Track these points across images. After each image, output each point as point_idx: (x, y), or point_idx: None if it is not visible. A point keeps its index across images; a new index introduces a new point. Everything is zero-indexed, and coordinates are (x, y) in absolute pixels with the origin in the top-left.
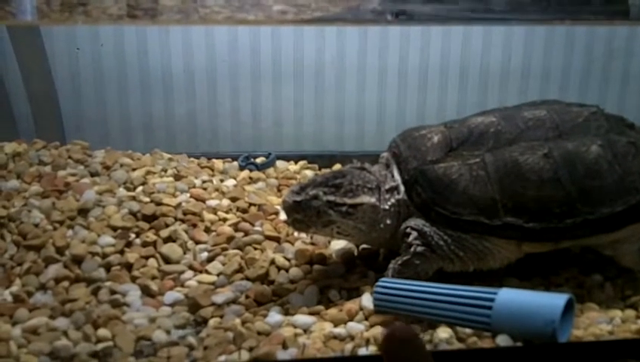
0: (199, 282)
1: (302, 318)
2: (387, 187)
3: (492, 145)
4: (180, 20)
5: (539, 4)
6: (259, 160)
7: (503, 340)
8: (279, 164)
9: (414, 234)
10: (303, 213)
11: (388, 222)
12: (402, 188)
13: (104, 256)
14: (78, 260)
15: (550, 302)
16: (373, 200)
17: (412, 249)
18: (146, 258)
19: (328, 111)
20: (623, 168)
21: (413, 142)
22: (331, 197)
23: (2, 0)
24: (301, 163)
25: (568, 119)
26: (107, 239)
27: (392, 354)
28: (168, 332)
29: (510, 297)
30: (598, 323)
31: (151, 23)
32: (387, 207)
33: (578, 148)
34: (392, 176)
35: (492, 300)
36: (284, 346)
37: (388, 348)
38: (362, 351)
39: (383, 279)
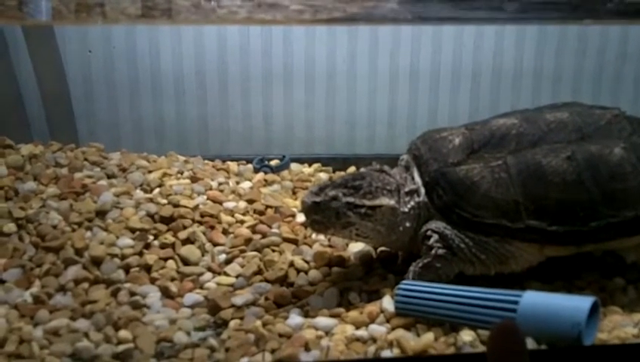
0: (218, 284)
1: (323, 320)
2: (407, 189)
3: (514, 147)
4: (197, 20)
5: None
6: (273, 162)
7: (527, 343)
8: (293, 166)
9: (435, 236)
10: (322, 214)
11: (407, 224)
12: (423, 190)
13: (123, 257)
14: (97, 262)
15: (576, 304)
16: (392, 202)
17: (433, 251)
18: (165, 259)
19: (340, 114)
20: None
21: (434, 144)
22: (350, 199)
23: (20, 2)
24: (315, 165)
25: (591, 122)
26: (126, 241)
27: (497, 348)
28: (189, 333)
29: (535, 300)
30: (622, 326)
31: (168, 23)
32: (407, 210)
33: (601, 151)
34: (413, 178)
35: (516, 303)
36: (307, 348)
37: (494, 342)
38: (386, 354)
39: (404, 281)
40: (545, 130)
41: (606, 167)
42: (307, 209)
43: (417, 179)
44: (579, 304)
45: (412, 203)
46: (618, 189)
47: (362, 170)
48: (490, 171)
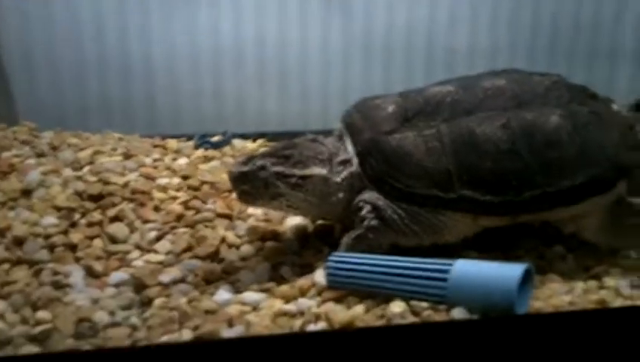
0: (147, 262)
1: (251, 295)
2: (340, 159)
3: (448, 115)
4: None
5: None
6: (215, 139)
7: (458, 313)
8: (237, 142)
9: (367, 207)
10: (250, 184)
11: (340, 195)
12: (356, 160)
13: (47, 237)
14: (19, 242)
15: (507, 272)
16: (324, 171)
17: (365, 223)
18: (92, 238)
19: (291, 90)
20: (584, 139)
21: (368, 113)
22: (279, 168)
23: None
24: (260, 141)
25: (528, 89)
26: (50, 220)
27: None
28: (112, 313)
29: (466, 268)
30: (559, 295)
31: None
32: (339, 180)
33: (537, 119)
34: (346, 147)
35: (447, 272)
36: (230, 324)
37: None
38: (311, 327)
39: (335, 253)
40: (481, 98)
41: (542, 135)
42: (234, 179)
43: (350, 148)
44: (510, 272)
45: (345, 173)
46: (554, 158)
47: (297, 139)
48: (423, 140)
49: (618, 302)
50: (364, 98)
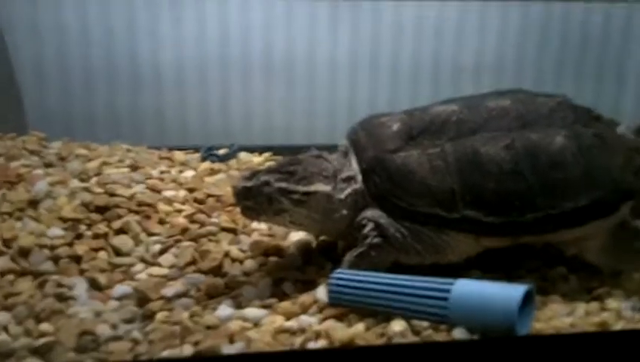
0: (150, 275)
1: (253, 311)
2: (344, 176)
3: (453, 134)
4: None
5: None
6: (222, 151)
7: (459, 333)
8: (243, 155)
9: (370, 225)
10: (254, 199)
11: (344, 212)
12: (360, 177)
13: (52, 248)
14: (25, 253)
15: (508, 293)
16: (327, 188)
17: (368, 240)
18: (97, 250)
19: (299, 104)
20: (588, 161)
21: (373, 130)
22: (283, 184)
23: None
24: (266, 155)
25: (533, 109)
26: (56, 231)
27: None
28: (114, 326)
29: (467, 288)
30: (560, 316)
31: None
32: (343, 197)
33: (542, 140)
34: (350, 164)
35: (448, 291)
36: (231, 340)
37: None
38: (312, 345)
39: (337, 270)
40: (486, 118)
41: (546, 156)
42: (238, 194)
43: (355, 165)
44: (511, 293)
45: (349, 190)
46: (558, 179)
47: (302, 155)
48: (427, 159)
49: (620, 325)
50: (370, 115)
